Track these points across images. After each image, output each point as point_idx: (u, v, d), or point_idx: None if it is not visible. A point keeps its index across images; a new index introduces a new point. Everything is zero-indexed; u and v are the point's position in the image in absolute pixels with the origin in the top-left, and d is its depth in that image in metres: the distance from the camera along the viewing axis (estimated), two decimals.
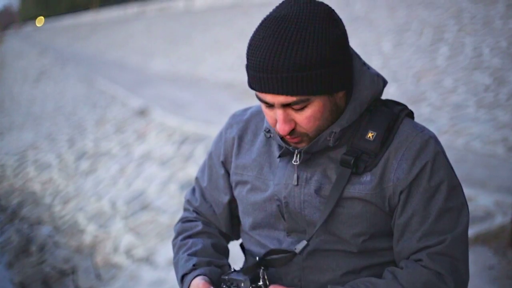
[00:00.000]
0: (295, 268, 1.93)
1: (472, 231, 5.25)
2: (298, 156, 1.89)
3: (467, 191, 5.73)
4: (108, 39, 29.23)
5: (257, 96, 1.81)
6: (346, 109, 1.85)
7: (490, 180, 6.15)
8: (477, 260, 4.89)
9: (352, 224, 1.87)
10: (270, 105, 1.81)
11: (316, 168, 1.91)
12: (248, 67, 1.78)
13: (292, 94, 1.73)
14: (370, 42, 13.81)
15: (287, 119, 1.80)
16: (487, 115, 8.25)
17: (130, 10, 46.52)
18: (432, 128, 8.25)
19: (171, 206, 7.82)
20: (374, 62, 12.21)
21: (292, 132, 1.82)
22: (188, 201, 2.26)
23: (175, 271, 2.12)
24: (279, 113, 1.79)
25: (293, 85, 1.72)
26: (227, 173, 2.13)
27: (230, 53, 16.51)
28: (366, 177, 1.85)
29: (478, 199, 5.62)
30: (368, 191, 1.84)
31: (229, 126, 2.14)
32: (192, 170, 8.36)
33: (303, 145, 1.87)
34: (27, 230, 9.74)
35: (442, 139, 7.84)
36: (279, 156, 1.94)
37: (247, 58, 1.78)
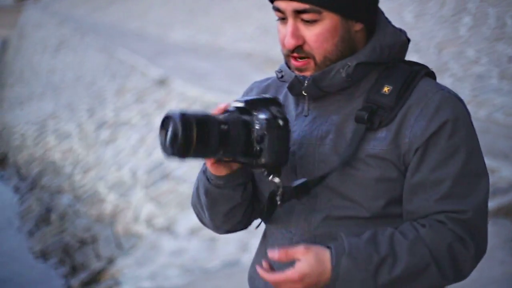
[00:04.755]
0: (307, 237, 1.87)
1: (494, 203, 5.21)
2: (307, 84, 1.84)
3: (489, 163, 5.68)
4: (127, 9, 29.14)
5: (273, 9, 1.83)
6: (366, 45, 1.83)
7: None
8: (500, 233, 4.86)
9: (367, 186, 1.80)
10: (283, 18, 1.81)
11: (331, 126, 1.86)
12: None
13: (304, 1, 1.75)
14: (391, 12, 13.64)
15: (296, 33, 1.79)
16: (510, 86, 8.17)
17: None
18: None
19: (191, 175, 7.83)
20: None
21: (298, 49, 1.80)
22: None
23: (197, 186, 2.00)
24: (289, 24, 1.79)
25: None
26: None
27: (249, 23, 16.40)
28: (382, 133, 1.79)
29: (500, 171, 5.58)
30: (383, 147, 1.78)
31: (249, 89, 2.10)
32: None
33: (308, 73, 1.83)
34: (47, 199, 9.82)
35: None
36: (288, 88, 1.90)
37: None
